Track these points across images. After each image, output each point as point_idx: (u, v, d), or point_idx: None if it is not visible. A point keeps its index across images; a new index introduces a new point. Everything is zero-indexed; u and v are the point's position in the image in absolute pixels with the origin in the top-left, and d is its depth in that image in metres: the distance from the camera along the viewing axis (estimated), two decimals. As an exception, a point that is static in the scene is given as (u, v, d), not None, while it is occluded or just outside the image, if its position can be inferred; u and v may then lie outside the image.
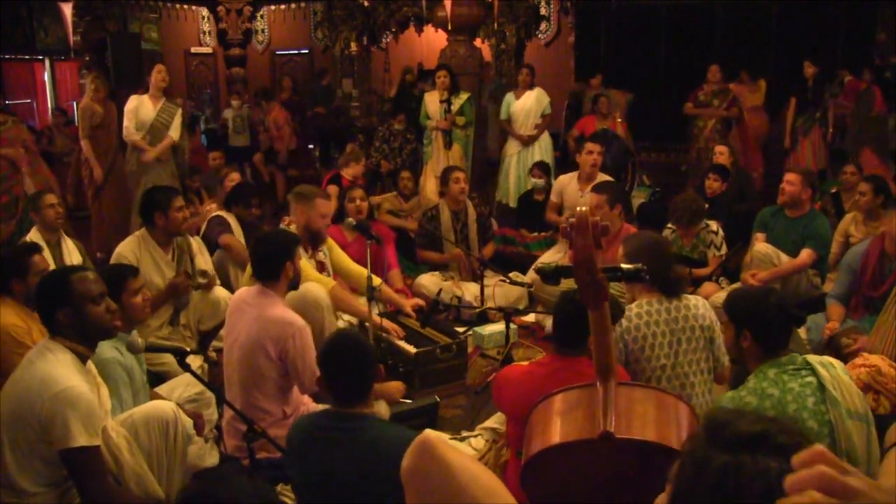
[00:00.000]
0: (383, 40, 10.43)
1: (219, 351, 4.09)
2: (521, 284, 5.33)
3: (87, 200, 6.97)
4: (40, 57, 12.50)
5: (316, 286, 4.04)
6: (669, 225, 5.11)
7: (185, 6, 11.72)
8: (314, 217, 4.25)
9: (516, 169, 7.48)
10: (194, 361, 3.80)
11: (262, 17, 13.31)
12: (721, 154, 6.50)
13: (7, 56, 11.64)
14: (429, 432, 1.68)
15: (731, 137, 8.33)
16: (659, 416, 1.86)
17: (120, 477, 2.57)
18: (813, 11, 10.00)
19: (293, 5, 11.87)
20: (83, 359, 2.56)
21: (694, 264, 4.90)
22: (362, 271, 4.22)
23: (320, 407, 3.33)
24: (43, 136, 9.92)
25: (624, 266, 1.95)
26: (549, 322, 4.88)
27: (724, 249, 4.94)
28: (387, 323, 4.16)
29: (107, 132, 6.61)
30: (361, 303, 4.22)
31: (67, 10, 8.48)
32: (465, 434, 3.51)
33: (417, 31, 9.05)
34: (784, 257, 4.75)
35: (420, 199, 6.71)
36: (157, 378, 3.67)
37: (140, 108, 6.37)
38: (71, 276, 2.60)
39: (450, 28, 7.61)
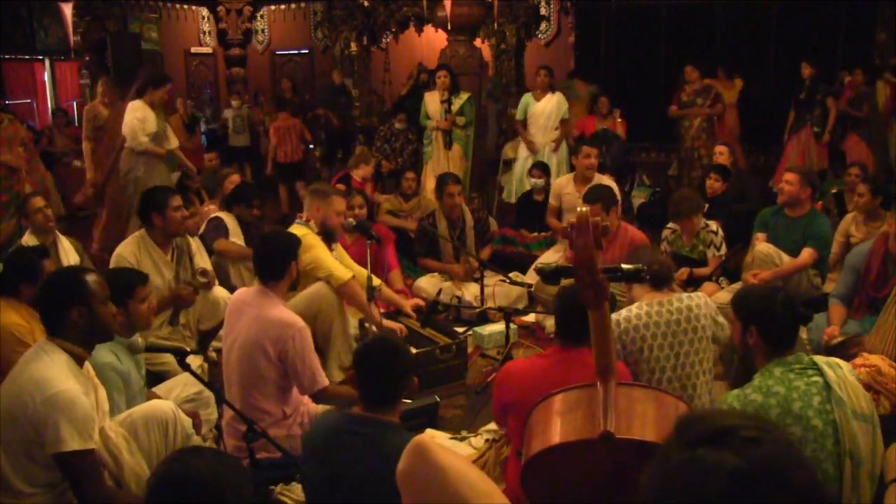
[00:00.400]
0: (383, 40, 10.41)
1: (218, 351, 4.08)
2: (521, 284, 5.33)
3: (90, 200, 6.97)
4: (40, 57, 12.51)
5: (325, 287, 4.06)
6: (670, 225, 5.12)
7: (185, 6, 11.73)
8: (330, 214, 4.29)
9: (523, 170, 7.47)
10: (194, 361, 3.80)
11: (262, 17, 13.32)
12: (721, 154, 6.50)
13: (7, 56, 11.65)
14: (423, 436, 1.68)
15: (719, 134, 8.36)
16: (659, 416, 1.86)
17: (120, 477, 2.57)
18: (813, 11, 10.01)
19: (293, 5, 11.88)
20: (79, 361, 2.55)
21: (694, 264, 4.91)
22: (363, 272, 4.22)
23: (321, 408, 3.33)
24: (43, 136, 9.93)
25: (624, 266, 1.95)
26: (549, 322, 4.88)
27: (723, 249, 4.95)
28: (389, 323, 4.15)
29: (110, 134, 6.60)
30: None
31: (67, 10, 8.49)
32: (465, 434, 3.51)
33: (417, 31, 9.04)
34: (785, 257, 4.75)
35: (420, 200, 6.71)
36: (157, 378, 3.67)
37: (146, 116, 6.38)
38: (85, 275, 2.60)
39: (450, 28, 7.61)
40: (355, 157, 6.72)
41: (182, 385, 3.50)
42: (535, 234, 6.17)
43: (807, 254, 4.72)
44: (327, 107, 10.63)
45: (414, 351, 4.08)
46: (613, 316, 2.96)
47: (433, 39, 10.63)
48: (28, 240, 4.52)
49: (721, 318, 3.06)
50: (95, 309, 2.54)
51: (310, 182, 9.28)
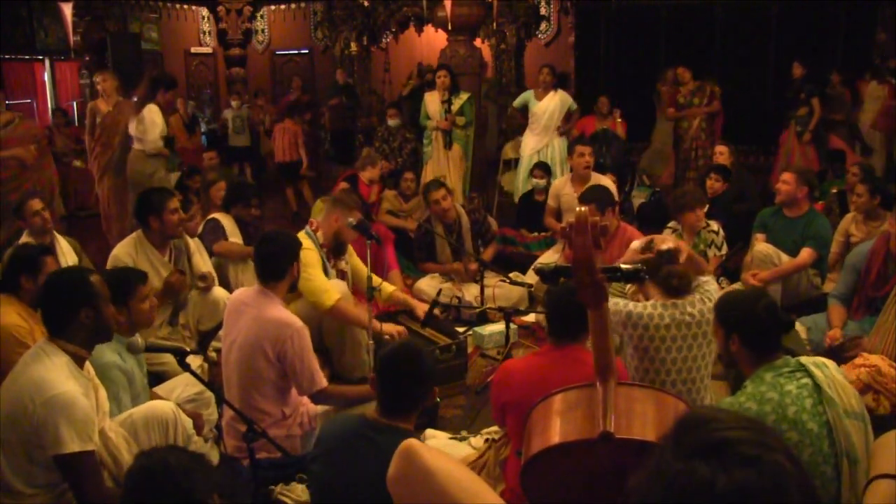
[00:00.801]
0: (383, 40, 10.42)
1: (218, 351, 4.08)
2: (522, 284, 5.33)
3: (88, 201, 6.98)
4: (40, 57, 12.50)
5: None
6: (670, 224, 5.12)
7: (185, 6, 11.73)
8: (345, 229, 4.25)
9: (528, 169, 7.46)
10: (194, 361, 3.80)
11: (262, 17, 13.32)
12: (721, 154, 6.50)
13: (7, 56, 11.64)
14: (410, 440, 1.68)
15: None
16: (659, 416, 1.86)
17: (120, 477, 2.56)
18: (813, 11, 10.01)
19: (293, 5, 11.88)
20: (80, 361, 2.55)
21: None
22: (364, 271, 4.22)
23: (320, 409, 3.33)
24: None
25: (623, 266, 1.95)
26: (549, 322, 4.89)
27: (724, 249, 4.95)
28: (389, 326, 4.14)
29: (109, 131, 6.59)
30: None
31: (67, 10, 8.48)
32: (464, 434, 3.51)
33: (417, 31, 9.06)
34: (784, 257, 4.75)
35: (420, 200, 6.71)
36: (156, 378, 3.67)
37: (157, 119, 6.44)
38: (89, 276, 2.61)
39: (450, 28, 7.62)
40: (362, 159, 6.72)
41: (183, 385, 3.50)
42: (535, 234, 6.17)
43: (806, 253, 4.72)
44: (309, 108, 10.62)
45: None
46: (629, 306, 2.95)
47: (433, 39, 10.64)
48: (26, 241, 4.52)
49: None
50: (101, 309, 2.55)
51: (311, 182, 9.31)
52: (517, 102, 7.62)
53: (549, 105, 7.33)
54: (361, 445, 2.27)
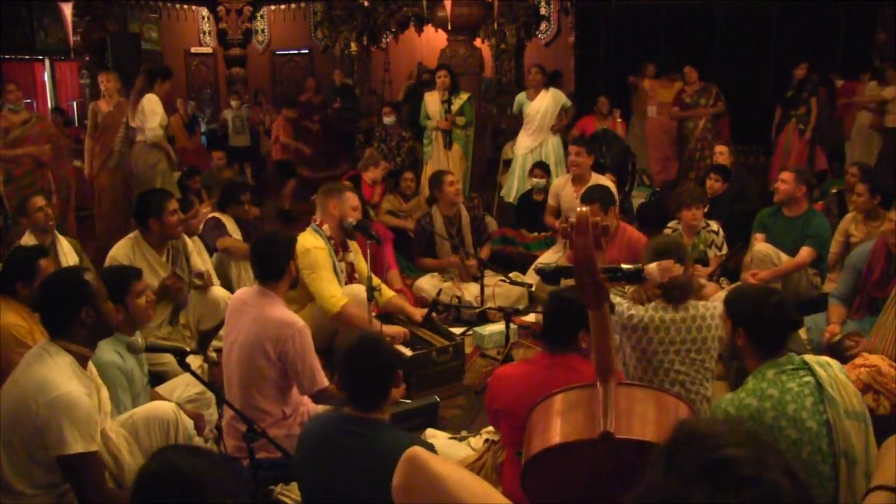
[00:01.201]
0: (383, 40, 10.43)
1: (219, 351, 4.08)
2: (522, 284, 5.33)
3: (88, 201, 6.97)
4: (40, 57, 12.51)
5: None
6: (670, 224, 5.12)
7: (185, 6, 11.73)
8: (347, 211, 4.27)
9: (522, 168, 7.47)
10: (194, 361, 3.80)
11: (262, 17, 13.32)
12: (721, 154, 6.51)
13: (7, 56, 11.65)
14: (415, 448, 1.67)
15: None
16: (659, 417, 1.86)
17: (121, 478, 2.57)
18: (813, 11, 10.00)
19: (293, 5, 11.88)
20: (83, 361, 2.55)
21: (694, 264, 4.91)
22: (364, 271, 4.22)
23: (320, 408, 3.33)
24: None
25: (624, 266, 1.95)
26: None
27: (724, 249, 4.95)
28: (389, 328, 4.14)
29: (109, 131, 6.60)
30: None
31: (67, 10, 8.49)
32: (464, 434, 3.51)
33: (417, 31, 9.07)
34: (784, 257, 4.75)
35: (420, 200, 6.71)
36: (157, 378, 3.67)
37: (157, 108, 6.45)
38: (85, 275, 2.61)
39: (450, 28, 7.62)
40: (365, 160, 6.72)
41: (184, 385, 3.50)
42: (535, 234, 6.17)
43: (805, 253, 4.72)
44: (320, 109, 10.62)
45: (410, 353, 4.08)
46: (630, 310, 2.95)
47: (433, 39, 10.64)
48: (27, 240, 4.52)
49: None
50: (100, 307, 2.55)
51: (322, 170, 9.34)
52: (515, 108, 7.63)
53: (542, 104, 7.33)
54: (344, 440, 2.28)
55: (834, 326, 4.08)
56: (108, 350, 2.91)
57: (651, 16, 11.03)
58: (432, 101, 7.23)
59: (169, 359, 3.63)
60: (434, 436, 3.43)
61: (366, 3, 8.43)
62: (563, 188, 5.86)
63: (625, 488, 1.86)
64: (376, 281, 4.14)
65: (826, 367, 2.36)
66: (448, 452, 3.11)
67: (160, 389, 3.46)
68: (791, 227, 4.85)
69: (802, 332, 4.19)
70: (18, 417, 2.39)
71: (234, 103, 10.12)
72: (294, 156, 9.37)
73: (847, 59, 9.57)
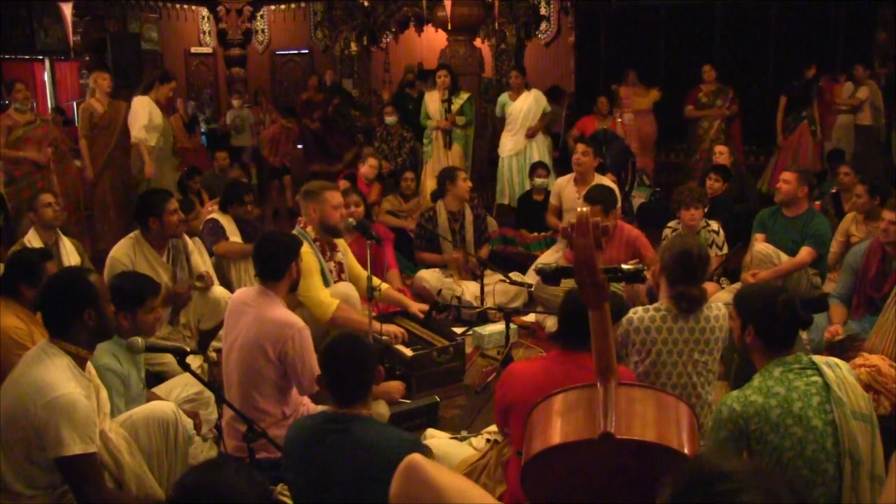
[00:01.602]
0: (383, 40, 10.42)
1: (218, 351, 4.08)
2: (522, 284, 5.33)
3: (89, 200, 6.97)
4: (40, 57, 12.51)
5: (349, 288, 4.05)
6: (671, 224, 5.12)
7: (185, 6, 11.73)
8: (328, 211, 4.22)
9: (509, 170, 7.46)
10: (194, 361, 3.80)
11: (262, 17, 13.32)
12: (721, 154, 6.50)
13: (7, 56, 11.65)
14: (414, 455, 1.67)
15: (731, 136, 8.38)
16: (659, 417, 1.86)
17: (120, 478, 2.56)
18: (813, 12, 10.00)
19: (293, 5, 11.87)
20: (81, 362, 2.54)
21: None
22: (363, 272, 4.21)
23: (320, 408, 3.33)
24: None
25: (624, 266, 1.95)
26: (549, 322, 4.88)
27: (725, 249, 4.95)
28: (388, 327, 4.14)
29: (106, 132, 6.59)
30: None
31: (67, 10, 8.48)
32: (464, 434, 3.51)
33: (417, 31, 9.06)
34: (784, 257, 4.75)
35: (420, 200, 6.71)
36: (156, 378, 3.67)
37: (152, 111, 6.42)
38: (89, 276, 2.60)
39: (450, 28, 7.62)
40: (363, 156, 6.76)
41: (182, 385, 3.50)
42: (535, 234, 6.17)
43: (805, 252, 4.72)
44: (321, 106, 10.59)
45: (410, 353, 4.08)
46: (629, 313, 2.95)
47: (433, 39, 10.64)
48: (31, 237, 4.52)
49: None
50: (103, 309, 2.55)
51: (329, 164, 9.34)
52: (497, 110, 7.63)
53: (525, 105, 7.34)
54: (328, 439, 2.29)
55: (836, 327, 4.08)
56: (105, 353, 2.90)
57: (651, 16, 11.02)
58: (432, 101, 7.23)
59: (169, 359, 3.63)
60: (434, 436, 3.43)
61: (366, 3, 8.42)
62: (565, 188, 5.85)
63: (624, 488, 1.87)
64: (376, 281, 4.14)
65: (834, 367, 2.36)
66: (448, 452, 3.11)
67: (158, 390, 3.45)
68: (791, 227, 4.85)
69: (802, 333, 4.19)
70: (17, 419, 2.38)
71: (235, 103, 10.11)
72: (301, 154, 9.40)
73: (847, 58, 9.57)
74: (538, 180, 6.51)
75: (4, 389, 2.48)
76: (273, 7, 12.49)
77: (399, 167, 7.45)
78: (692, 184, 5.33)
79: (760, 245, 4.84)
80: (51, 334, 2.54)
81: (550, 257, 5.55)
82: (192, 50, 13.80)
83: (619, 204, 5.21)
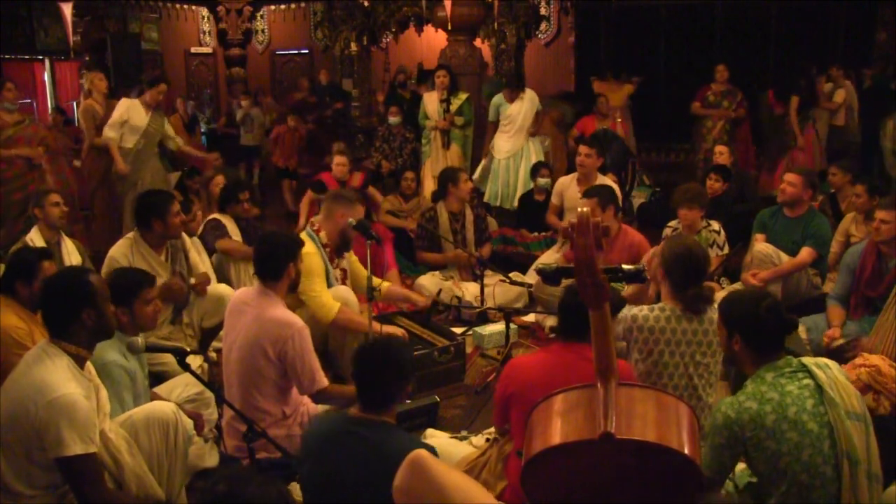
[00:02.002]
0: (383, 40, 10.42)
1: (219, 351, 4.08)
2: (521, 284, 5.33)
3: (86, 199, 6.96)
4: (40, 57, 12.51)
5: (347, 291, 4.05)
6: (671, 223, 5.12)
7: (185, 6, 11.74)
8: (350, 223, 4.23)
9: (505, 171, 7.45)
10: (194, 361, 3.80)
11: (262, 17, 13.32)
12: (721, 154, 6.50)
13: (7, 56, 11.65)
14: (420, 451, 1.67)
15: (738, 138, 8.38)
16: (659, 417, 1.86)
17: (120, 478, 2.57)
18: (813, 12, 10.01)
19: (293, 5, 11.88)
20: (81, 362, 2.54)
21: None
22: (364, 273, 4.21)
23: (320, 408, 3.33)
24: (41, 136, 9.91)
25: (624, 266, 1.95)
26: (549, 322, 4.88)
27: (726, 249, 4.95)
28: (389, 329, 4.14)
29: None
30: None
31: (67, 10, 8.48)
32: (465, 434, 3.51)
33: (417, 31, 9.06)
34: (784, 257, 4.75)
35: (420, 200, 6.71)
36: (157, 378, 3.66)
37: (132, 113, 6.29)
38: (89, 276, 2.60)
39: (450, 28, 7.62)
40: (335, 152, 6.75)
41: (183, 385, 3.50)
42: (536, 234, 6.17)
43: (805, 253, 4.72)
44: (319, 107, 10.59)
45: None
46: (634, 310, 2.95)
47: (433, 39, 10.64)
48: (34, 235, 4.52)
49: None
50: (102, 309, 2.55)
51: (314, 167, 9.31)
52: (491, 114, 7.60)
53: (523, 107, 7.32)
54: (348, 441, 2.28)
55: (834, 330, 4.07)
56: (111, 350, 2.91)
57: (651, 16, 11.04)
58: (430, 101, 7.24)
59: (169, 359, 3.63)
60: (434, 436, 3.43)
61: (366, 3, 8.42)
62: (567, 187, 5.85)
63: (625, 488, 1.87)
64: (376, 281, 4.14)
65: (825, 368, 2.36)
66: (449, 452, 3.11)
67: (159, 389, 3.45)
68: (792, 228, 4.84)
69: (802, 333, 4.19)
70: (17, 419, 2.38)
71: (244, 102, 10.09)
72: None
73: (847, 58, 9.57)
74: (541, 180, 6.51)
75: (5, 389, 2.49)
76: (273, 7, 12.50)
77: (399, 167, 7.45)
78: (693, 183, 5.32)
79: (761, 245, 4.83)
80: (51, 334, 2.54)
81: (550, 257, 5.55)
82: (192, 50, 13.80)
83: (621, 206, 5.20)
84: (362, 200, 5.07)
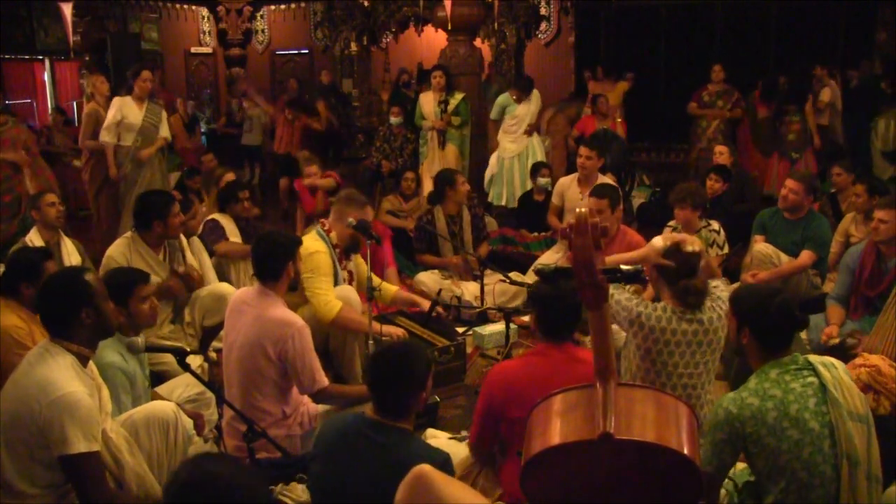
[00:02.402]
0: (383, 40, 10.42)
1: (219, 351, 4.08)
2: (521, 284, 5.32)
3: (88, 201, 6.96)
4: (40, 57, 12.52)
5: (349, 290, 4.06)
6: (670, 223, 5.12)
7: (185, 6, 11.73)
8: None
9: (510, 171, 7.45)
10: (194, 361, 3.80)
11: (262, 17, 13.32)
12: (721, 154, 6.50)
13: (7, 56, 11.66)
14: (424, 466, 1.66)
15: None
16: (658, 417, 1.87)
17: (121, 478, 2.57)
18: (813, 12, 10.01)
19: (293, 5, 11.88)
20: (84, 361, 2.55)
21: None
22: (364, 272, 4.21)
23: (321, 408, 3.33)
24: (41, 136, 9.93)
25: (623, 267, 1.95)
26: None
27: (726, 248, 4.95)
28: (389, 329, 4.14)
29: None
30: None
31: (67, 10, 8.48)
32: (464, 434, 3.51)
33: (417, 31, 9.05)
34: (784, 258, 4.75)
35: (420, 200, 6.71)
36: (157, 378, 3.67)
37: (125, 111, 6.23)
38: (86, 275, 2.61)
39: (450, 28, 7.61)
40: (306, 159, 6.77)
41: (184, 385, 3.50)
42: (536, 234, 6.17)
43: (805, 255, 4.72)
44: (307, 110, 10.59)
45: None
46: (639, 306, 2.94)
47: (433, 39, 10.63)
48: (33, 237, 4.52)
49: None
50: (101, 308, 2.55)
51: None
52: (494, 113, 7.60)
53: (531, 107, 7.37)
54: (361, 444, 2.28)
55: (832, 329, 4.07)
56: (110, 351, 2.91)
57: (651, 16, 11.04)
58: (427, 102, 7.24)
59: (169, 359, 3.63)
60: (434, 436, 3.43)
61: (366, 3, 8.42)
62: (568, 188, 5.84)
63: (624, 488, 1.87)
64: (377, 281, 4.14)
65: (831, 368, 2.36)
66: (449, 452, 3.11)
67: (160, 390, 3.46)
68: (791, 229, 4.84)
69: (802, 333, 4.20)
70: (20, 417, 2.39)
71: (246, 103, 10.09)
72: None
73: (847, 58, 9.58)
74: (541, 180, 6.51)
75: (7, 389, 2.49)
76: (273, 7, 12.49)
77: (400, 167, 7.45)
78: (688, 182, 5.32)
79: (761, 245, 4.84)
80: (51, 334, 2.54)
81: (551, 257, 5.55)
82: (192, 50, 13.80)
83: (622, 205, 5.19)
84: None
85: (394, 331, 4.10)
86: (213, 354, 4.30)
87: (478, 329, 4.81)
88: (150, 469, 2.69)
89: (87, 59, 9.74)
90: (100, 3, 9.56)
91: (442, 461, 2.29)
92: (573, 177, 5.90)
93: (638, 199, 7.96)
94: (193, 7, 12.03)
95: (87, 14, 9.38)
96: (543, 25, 11.69)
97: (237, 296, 3.47)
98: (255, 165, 10.16)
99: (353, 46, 8.93)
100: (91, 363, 2.63)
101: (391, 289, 4.48)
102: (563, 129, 8.42)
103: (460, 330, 4.76)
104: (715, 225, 4.98)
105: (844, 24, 10.14)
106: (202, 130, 11.12)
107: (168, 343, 3.87)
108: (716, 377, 3.16)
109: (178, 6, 11.57)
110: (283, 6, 12.07)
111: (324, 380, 3.23)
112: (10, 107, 9.56)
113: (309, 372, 3.17)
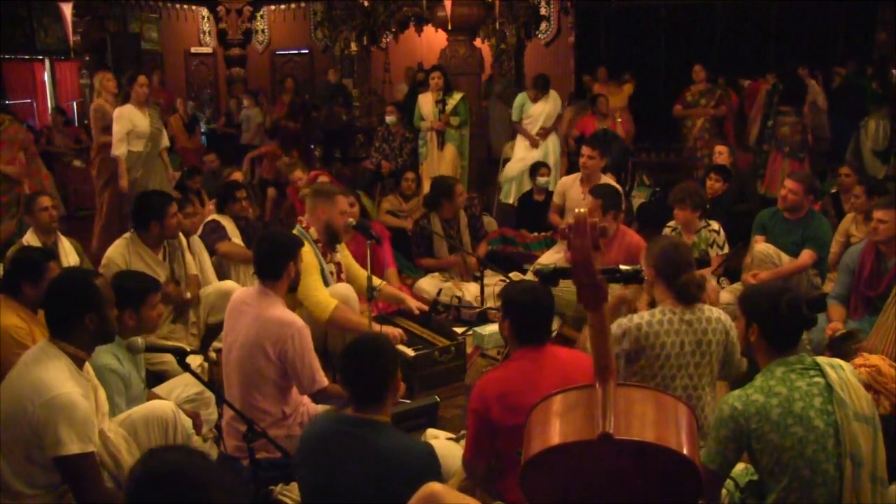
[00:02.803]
0: (383, 40, 10.43)
1: (219, 351, 4.08)
2: (521, 284, 5.32)
3: (88, 201, 6.96)
4: (40, 57, 12.53)
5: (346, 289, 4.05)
6: (670, 223, 5.11)
7: (185, 6, 11.74)
8: (335, 215, 4.18)
9: (521, 173, 7.45)
10: (194, 361, 3.80)
11: (262, 17, 13.33)
12: (721, 154, 6.50)
13: (7, 56, 11.67)
14: (434, 484, 1.65)
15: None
16: (658, 418, 1.87)
17: (119, 477, 2.57)
18: (813, 12, 10.01)
19: (293, 5, 11.89)
20: (79, 362, 2.54)
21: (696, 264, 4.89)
22: (363, 273, 4.21)
23: (320, 408, 3.34)
24: (42, 136, 9.94)
25: (622, 267, 1.95)
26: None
27: (726, 248, 4.95)
28: (388, 329, 4.13)
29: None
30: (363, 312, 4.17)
31: (67, 10, 8.49)
32: (464, 433, 3.50)
33: (417, 31, 9.07)
34: (785, 257, 4.75)
35: (420, 200, 6.71)
36: (157, 378, 3.67)
37: (134, 120, 6.16)
38: (94, 280, 2.61)
39: (450, 28, 7.62)
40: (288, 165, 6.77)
41: (183, 385, 3.50)
42: (535, 234, 6.17)
43: (806, 255, 4.72)
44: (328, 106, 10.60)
45: (412, 353, 4.08)
46: (634, 320, 2.93)
47: (433, 39, 10.64)
48: (30, 238, 4.51)
49: (733, 333, 3.02)
50: (105, 314, 2.56)
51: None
52: (514, 113, 7.60)
53: (547, 107, 7.35)
54: (344, 442, 2.29)
55: (836, 324, 4.08)
56: (105, 354, 2.90)
57: (651, 16, 11.04)
58: (426, 102, 7.24)
59: (169, 358, 3.63)
60: (434, 436, 3.43)
61: (366, 3, 8.43)
62: (570, 187, 5.83)
63: (624, 489, 1.87)
64: (376, 281, 4.13)
65: (838, 369, 2.37)
66: (448, 452, 3.11)
67: (159, 389, 3.45)
68: (792, 229, 4.84)
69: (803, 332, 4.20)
70: (16, 418, 2.39)
71: (246, 102, 10.09)
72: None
73: (847, 58, 9.57)
74: (541, 179, 6.51)
75: (3, 389, 2.49)
76: (273, 7, 12.51)
77: (399, 167, 7.45)
78: (687, 183, 5.32)
79: (761, 245, 4.83)
80: (51, 334, 2.54)
81: (551, 258, 5.54)
82: (192, 50, 13.81)
83: (623, 207, 5.18)
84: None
85: (393, 331, 4.10)
86: (213, 354, 4.30)
87: (478, 329, 4.81)
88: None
89: (87, 59, 9.76)
90: (100, 3, 9.57)
91: (425, 453, 2.33)
92: (575, 176, 5.89)
93: (638, 199, 7.95)
94: (193, 7, 12.04)
95: (87, 14, 9.39)
96: (543, 25, 11.71)
97: (237, 296, 3.47)
98: (254, 165, 10.16)
99: (353, 46, 8.94)
100: (87, 364, 2.62)
101: (380, 285, 4.48)
102: (563, 129, 8.42)
103: (460, 330, 4.75)
104: (715, 225, 4.97)
105: (844, 24, 10.14)
106: (202, 130, 11.13)
107: (168, 343, 3.87)
108: (716, 377, 3.16)
109: (178, 6, 11.59)
110: (283, 6, 12.09)
111: (323, 380, 3.23)
112: (9, 106, 9.58)
113: (309, 372, 3.17)
